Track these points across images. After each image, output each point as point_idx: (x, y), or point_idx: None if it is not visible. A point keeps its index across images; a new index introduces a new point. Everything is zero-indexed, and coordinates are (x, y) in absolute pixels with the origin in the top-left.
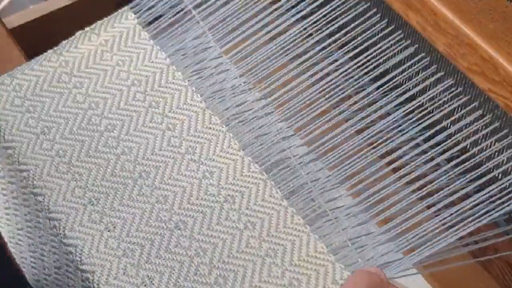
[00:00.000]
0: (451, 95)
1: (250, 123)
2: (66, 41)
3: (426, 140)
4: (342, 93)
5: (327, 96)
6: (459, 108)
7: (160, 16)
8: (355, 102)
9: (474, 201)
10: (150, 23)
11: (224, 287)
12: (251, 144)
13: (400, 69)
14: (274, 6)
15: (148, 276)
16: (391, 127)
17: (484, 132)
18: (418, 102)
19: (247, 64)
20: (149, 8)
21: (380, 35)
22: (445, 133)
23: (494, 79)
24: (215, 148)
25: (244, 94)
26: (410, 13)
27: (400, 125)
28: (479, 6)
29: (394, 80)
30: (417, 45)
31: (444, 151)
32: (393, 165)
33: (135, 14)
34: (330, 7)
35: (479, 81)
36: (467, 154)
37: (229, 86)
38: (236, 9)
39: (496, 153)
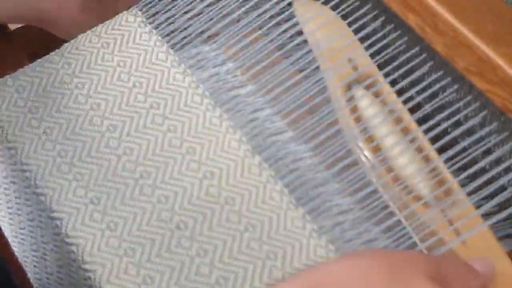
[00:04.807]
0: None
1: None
2: (68, 43)
3: None
4: None
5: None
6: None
7: (163, 19)
8: None
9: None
10: (152, 23)
11: None
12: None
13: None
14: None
15: (149, 276)
16: None
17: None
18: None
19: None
20: (151, 9)
21: None
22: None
23: (492, 79)
24: (215, 149)
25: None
26: (409, 14)
27: None
28: (477, 7)
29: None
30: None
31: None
32: None
33: (137, 16)
34: None
35: (476, 81)
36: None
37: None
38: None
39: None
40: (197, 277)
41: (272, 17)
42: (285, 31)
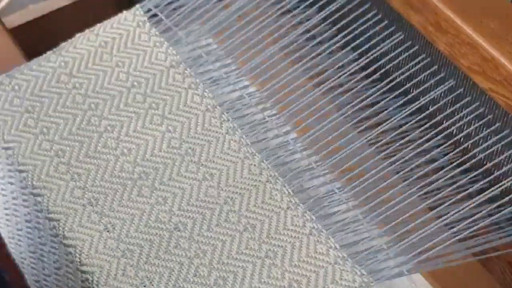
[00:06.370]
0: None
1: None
2: (66, 42)
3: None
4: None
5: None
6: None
7: (161, 18)
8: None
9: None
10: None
11: None
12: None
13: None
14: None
15: (147, 277)
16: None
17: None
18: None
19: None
20: (151, 9)
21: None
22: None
23: (495, 78)
24: (215, 150)
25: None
26: (411, 13)
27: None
28: (480, 5)
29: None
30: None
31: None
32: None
33: (136, 15)
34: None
35: (479, 80)
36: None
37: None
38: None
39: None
40: (196, 279)
41: None
42: None
